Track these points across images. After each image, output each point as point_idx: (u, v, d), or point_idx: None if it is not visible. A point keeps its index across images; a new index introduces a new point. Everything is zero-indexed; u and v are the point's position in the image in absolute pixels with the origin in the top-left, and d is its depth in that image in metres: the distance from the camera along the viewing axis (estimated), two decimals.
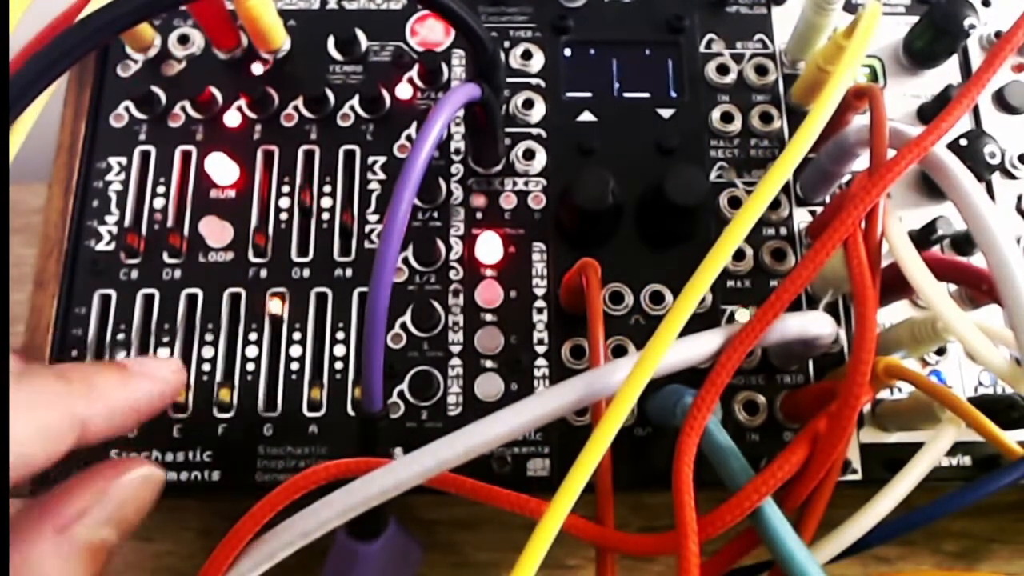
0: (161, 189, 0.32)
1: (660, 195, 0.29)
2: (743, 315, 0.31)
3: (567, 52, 0.35)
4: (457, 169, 0.33)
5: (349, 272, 0.31)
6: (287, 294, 0.31)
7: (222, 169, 0.32)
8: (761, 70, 0.34)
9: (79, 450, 0.21)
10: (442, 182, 0.32)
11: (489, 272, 0.31)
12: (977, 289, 0.26)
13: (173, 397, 0.25)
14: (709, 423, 0.22)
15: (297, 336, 0.31)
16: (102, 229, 0.32)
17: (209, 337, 0.30)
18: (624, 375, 0.21)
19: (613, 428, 0.20)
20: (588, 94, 0.34)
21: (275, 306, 0.31)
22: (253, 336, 0.31)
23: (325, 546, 0.25)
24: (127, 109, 0.33)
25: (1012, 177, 0.33)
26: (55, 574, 0.19)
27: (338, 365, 0.30)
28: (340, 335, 0.31)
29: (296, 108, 0.33)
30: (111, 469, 0.22)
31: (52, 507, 0.20)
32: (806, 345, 0.26)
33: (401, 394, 0.30)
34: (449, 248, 0.32)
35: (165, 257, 0.31)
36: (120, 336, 0.30)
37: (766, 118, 0.34)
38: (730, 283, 0.32)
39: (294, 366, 0.30)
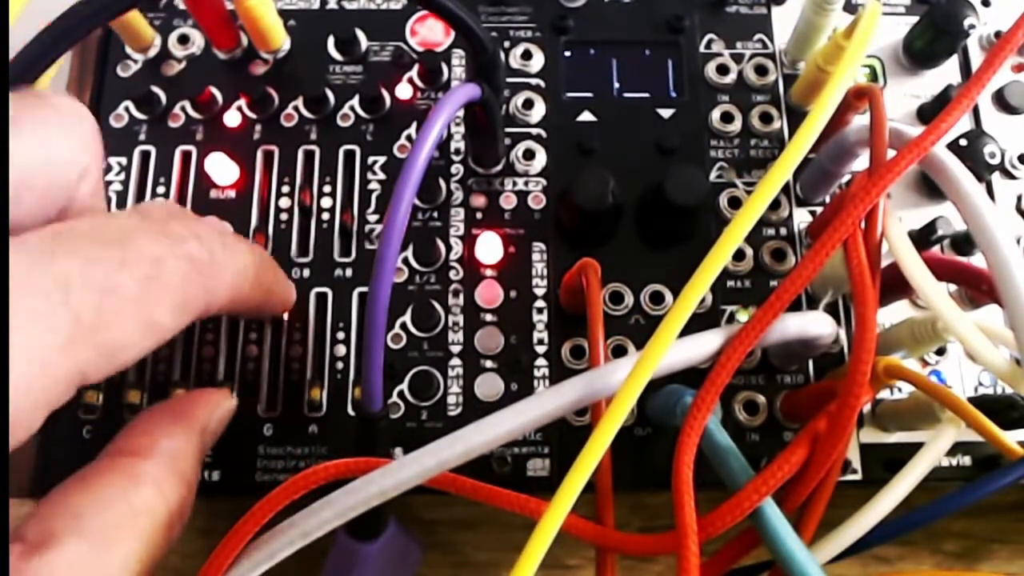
0: (161, 189, 0.32)
1: (660, 195, 0.29)
2: (743, 316, 0.31)
3: (567, 52, 0.35)
4: (457, 169, 0.33)
5: (349, 272, 0.31)
6: None
7: (222, 169, 0.32)
8: (761, 70, 0.34)
9: None
10: (442, 182, 0.32)
11: (489, 272, 0.31)
12: (977, 289, 0.26)
13: None
14: (709, 423, 0.22)
15: (297, 336, 0.31)
16: None
17: (209, 337, 0.30)
18: (624, 375, 0.21)
19: (613, 428, 0.20)
20: (588, 94, 0.34)
21: None
22: (253, 336, 0.31)
23: (325, 546, 0.25)
24: (127, 109, 0.33)
25: (1012, 177, 0.33)
26: (193, 467, 0.23)
27: (338, 365, 0.30)
28: (340, 335, 0.31)
29: (296, 108, 0.33)
30: (216, 391, 0.25)
31: (192, 412, 0.24)
32: (806, 345, 0.26)
33: (401, 394, 0.30)
34: (449, 248, 0.32)
35: None
36: None
37: (766, 118, 0.34)
38: (730, 283, 0.32)
39: (294, 366, 0.30)
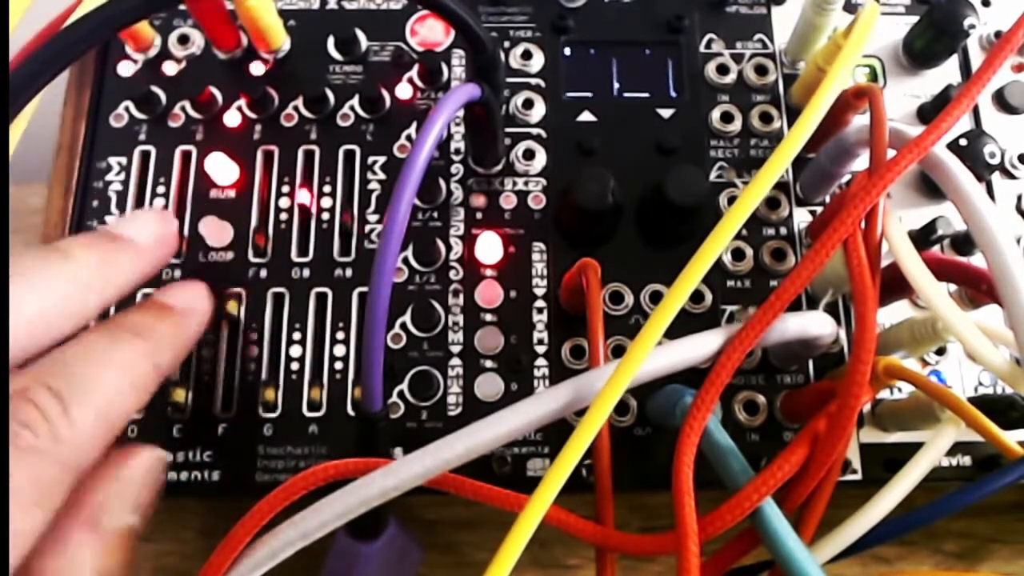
0: (161, 189, 0.32)
1: (660, 195, 0.29)
2: (743, 316, 0.31)
3: (567, 52, 0.35)
4: (457, 169, 0.33)
5: (349, 272, 0.31)
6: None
7: (222, 169, 0.32)
8: (761, 70, 0.34)
9: None
10: (442, 182, 0.32)
11: (489, 272, 0.31)
12: (976, 289, 0.26)
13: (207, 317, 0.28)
14: (709, 423, 0.22)
15: (297, 336, 0.31)
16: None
17: (210, 337, 0.30)
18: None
19: (596, 424, 0.20)
20: (588, 94, 0.34)
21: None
22: (253, 336, 0.31)
23: (325, 546, 0.25)
24: (127, 109, 0.33)
25: (1012, 177, 0.33)
26: (95, 566, 0.21)
27: (338, 365, 0.30)
28: (340, 335, 0.31)
29: (296, 108, 0.33)
30: (118, 458, 0.23)
31: (76, 505, 0.22)
32: (806, 345, 0.26)
33: (401, 394, 0.30)
34: (449, 248, 0.32)
35: None
36: None
37: (766, 118, 0.34)
38: (730, 283, 0.32)
39: (294, 366, 0.30)
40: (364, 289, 0.31)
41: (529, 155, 0.33)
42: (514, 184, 0.33)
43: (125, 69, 0.34)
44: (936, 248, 0.32)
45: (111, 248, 0.25)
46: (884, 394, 0.31)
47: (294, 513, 0.22)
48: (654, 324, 0.21)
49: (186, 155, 0.33)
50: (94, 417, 0.21)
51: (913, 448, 0.24)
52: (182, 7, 0.35)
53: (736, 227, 0.22)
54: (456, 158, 0.33)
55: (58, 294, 0.23)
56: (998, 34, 0.35)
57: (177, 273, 0.31)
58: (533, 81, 0.34)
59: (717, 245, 0.22)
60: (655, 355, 0.22)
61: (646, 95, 0.34)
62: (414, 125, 0.33)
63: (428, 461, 0.21)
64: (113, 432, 0.22)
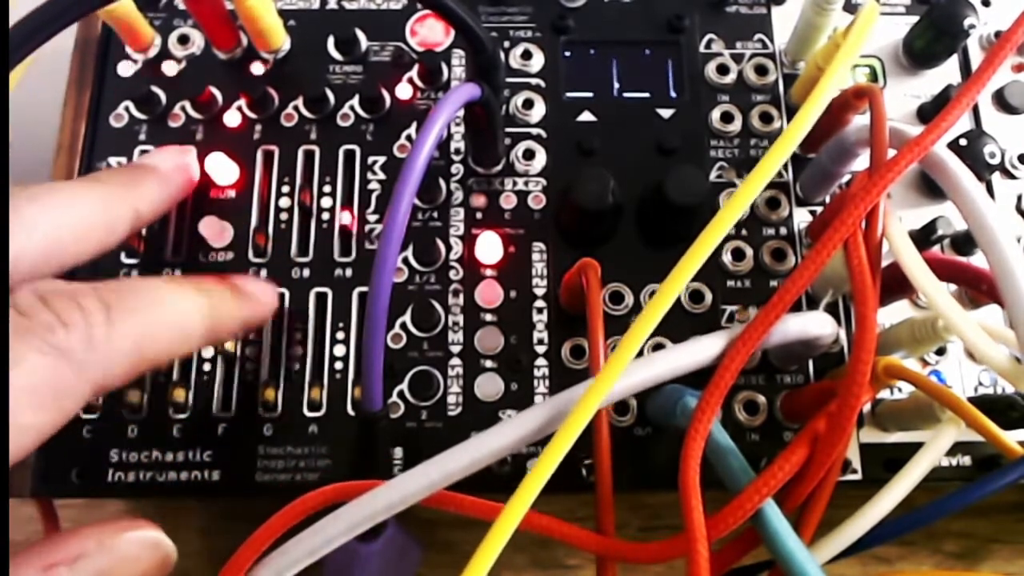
0: None
1: (660, 195, 0.29)
2: (743, 316, 0.31)
3: (567, 52, 0.35)
4: (457, 169, 0.33)
5: (349, 272, 0.31)
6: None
7: (222, 169, 0.32)
8: (761, 70, 0.34)
9: None
10: (442, 182, 0.32)
11: (489, 272, 0.31)
12: (977, 289, 0.26)
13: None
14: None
15: (297, 336, 0.31)
16: None
17: None
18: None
19: (578, 427, 0.21)
20: (588, 94, 0.34)
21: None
22: (252, 336, 0.30)
23: None
24: (127, 109, 0.33)
25: (1012, 177, 0.33)
26: None
27: (338, 365, 0.30)
28: (340, 335, 0.31)
29: (296, 108, 0.33)
30: (119, 525, 0.21)
31: (47, 547, 0.20)
32: (806, 345, 0.26)
33: (401, 394, 0.30)
34: (449, 248, 0.32)
35: (165, 257, 0.31)
36: None
37: (766, 118, 0.34)
38: (730, 283, 0.32)
39: (294, 366, 0.30)
40: (364, 289, 0.31)
41: (529, 155, 0.33)
42: (514, 184, 0.33)
43: (125, 69, 0.34)
44: (936, 248, 0.32)
45: (136, 172, 0.27)
46: (884, 394, 0.31)
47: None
48: (652, 311, 0.21)
49: None
50: (133, 341, 0.20)
51: (913, 448, 0.24)
52: (182, 7, 0.35)
53: (730, 223, 0.22)
54: (456, 158, 0.33)
55: (85, 209, 0.24)
56: (998, 34, 0.35)
57: (177, 273, 0.31)
58: (533, 81, 0.34)
59: (713, 238, 0.22)
60: (657, 361, 0.23)
61: (646, 95, 0.34)
62: (414, 125, 0.33)
63: (433, 473, 0.21)
64: (143, 367, 0.21)
